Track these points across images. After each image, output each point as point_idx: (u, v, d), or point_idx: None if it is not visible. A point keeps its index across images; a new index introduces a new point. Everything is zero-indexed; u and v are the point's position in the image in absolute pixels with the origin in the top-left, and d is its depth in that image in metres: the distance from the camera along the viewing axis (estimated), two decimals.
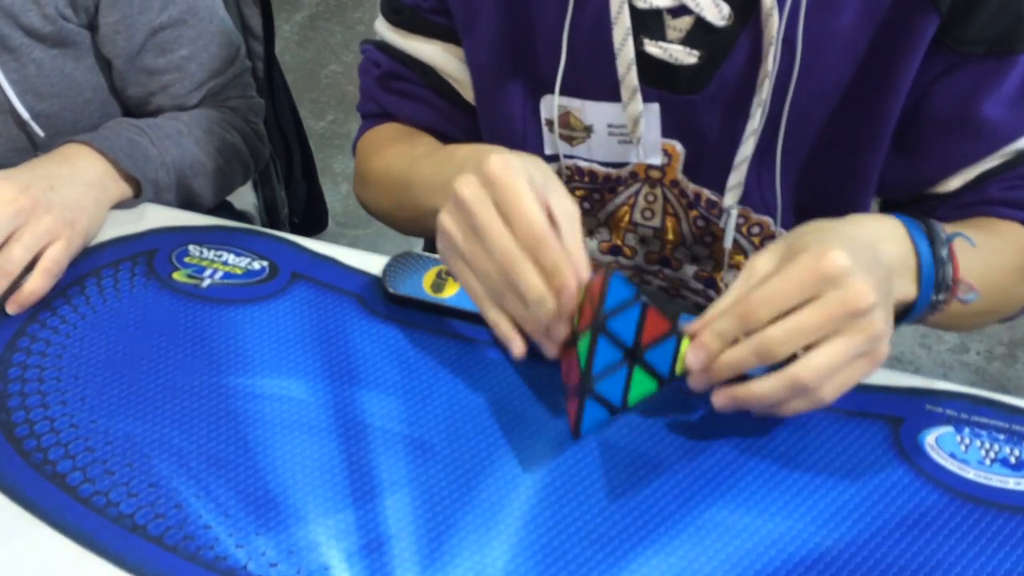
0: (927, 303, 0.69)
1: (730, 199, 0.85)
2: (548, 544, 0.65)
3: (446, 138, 0.94)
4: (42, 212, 0.82)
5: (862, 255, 0.63)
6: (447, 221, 0.69)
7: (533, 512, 0.67)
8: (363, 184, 0.97)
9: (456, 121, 0.95)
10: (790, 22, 0.76)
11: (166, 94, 1.02)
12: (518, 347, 0.68)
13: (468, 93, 0.93)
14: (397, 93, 0.95)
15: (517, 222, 0.65)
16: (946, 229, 0.70)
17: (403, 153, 0.90)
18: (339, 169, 2.24)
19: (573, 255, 0.65)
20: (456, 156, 0.77)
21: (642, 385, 0.66)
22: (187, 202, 1.01)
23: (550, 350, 0.68)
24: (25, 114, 0.95)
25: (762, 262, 0.65)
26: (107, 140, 0.92)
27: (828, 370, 0.62)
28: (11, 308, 0.80)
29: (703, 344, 0.64)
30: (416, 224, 0.88)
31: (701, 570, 0.64)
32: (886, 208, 0.90)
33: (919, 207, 0.86)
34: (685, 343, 0.65)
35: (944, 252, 0.69)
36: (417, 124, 0.95)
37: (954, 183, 0.83)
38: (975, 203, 0.83)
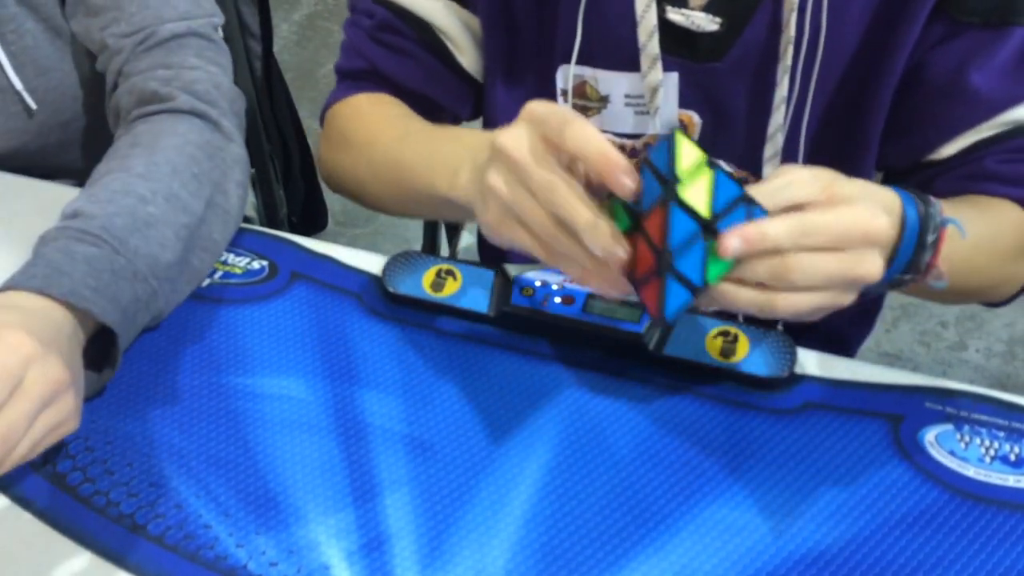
0: (889, 280, 0.68)
1: (769, 170, 0.85)
2: (548, 543, 0.65)
3: (430, 102, 0.93)
4: (67, 394, 0.65)
5: None
6: (492, 178, 0.63)
7: (533, 511, 0.67)
8: (340, 148, 0.92)
9: (444, 84, 0.93)
10: None
11: (111, 37, 0.90)
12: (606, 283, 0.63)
13: (464, 57, 0.92)
14: (387, 47, 0.92)
15: (582, 146, 0.59)
16: (944, 212, 0.68)
17: (395, 126, 0.87)
18: None
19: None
20: (465, 138, 0.75)
21: (721, 260, 0.58)
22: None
23: (618, 288, 0.63)
24: (19, 84, 0.93)
25: (805, 181, 0.62)
26: (63, 279, 0.70)
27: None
28: None
29: (748, 237, 0.58)
30: (404, 202, 0.83)
31: (701, 569, 0.64)
32: (887, 179, 0.89)
33: (918, 176, 0.85)
34: None
35: (931, 238, 0.67)
36: (403, 83, 0.93)
37: (949, 150, 0.83)
38: (972, 177, 0.83)
